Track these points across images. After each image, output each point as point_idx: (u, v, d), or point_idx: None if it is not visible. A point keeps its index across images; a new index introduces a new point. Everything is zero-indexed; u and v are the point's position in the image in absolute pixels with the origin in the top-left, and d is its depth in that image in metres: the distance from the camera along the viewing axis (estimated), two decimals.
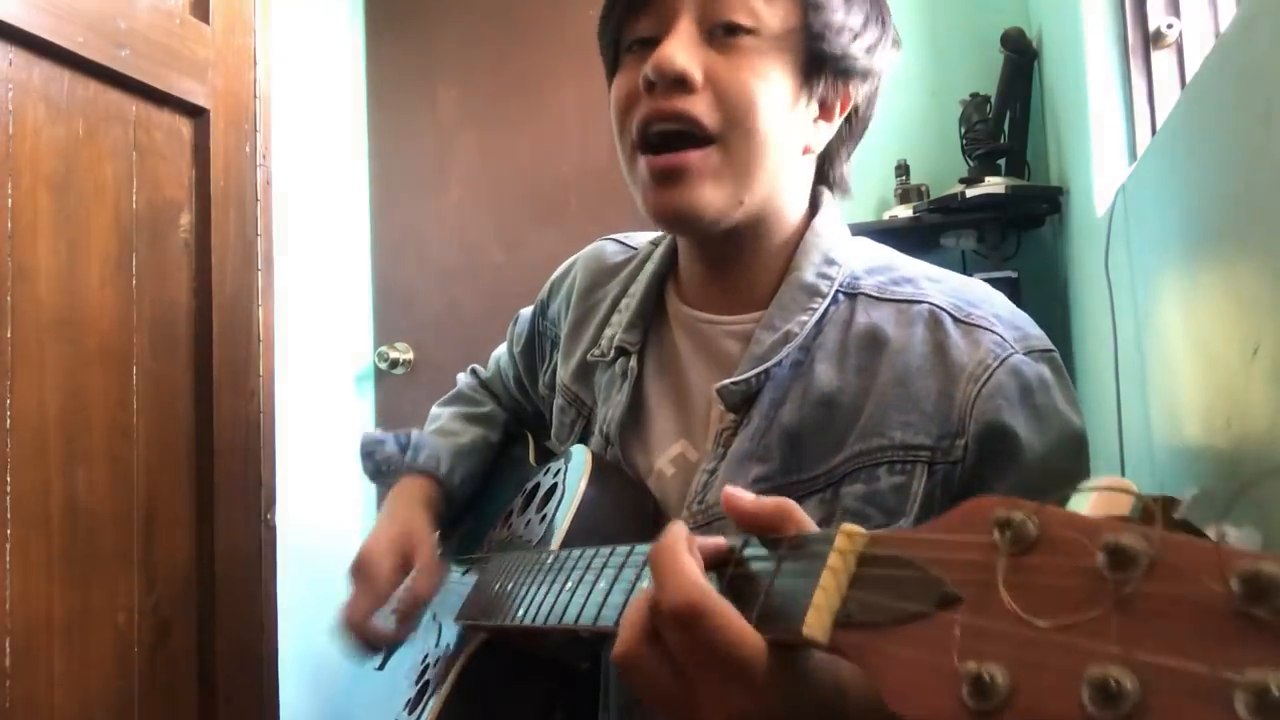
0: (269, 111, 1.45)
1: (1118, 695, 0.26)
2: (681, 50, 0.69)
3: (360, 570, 0.89)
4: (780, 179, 0.75)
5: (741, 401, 0.74)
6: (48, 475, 1.06)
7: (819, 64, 0.74)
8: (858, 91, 0.78)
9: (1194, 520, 0.30)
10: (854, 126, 0.81)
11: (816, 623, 0.38)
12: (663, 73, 0.69)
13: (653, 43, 0.72)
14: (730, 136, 0.71)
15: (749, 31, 0.71)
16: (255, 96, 1.42)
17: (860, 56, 0.76)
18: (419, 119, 2.36)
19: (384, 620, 0.88)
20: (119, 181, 1.18)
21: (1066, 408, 0.68)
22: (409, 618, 0.88)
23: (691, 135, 0.71)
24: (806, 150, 0.77)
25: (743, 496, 0.47)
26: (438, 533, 0.96)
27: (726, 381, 0.73)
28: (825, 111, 0.77)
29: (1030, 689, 0.29)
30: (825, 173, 0.82)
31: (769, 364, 0.72)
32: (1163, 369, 1.03)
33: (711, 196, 0.71)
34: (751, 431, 0.73)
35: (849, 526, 0.40)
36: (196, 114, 1.31)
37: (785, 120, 0.73)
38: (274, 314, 1.44)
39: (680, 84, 0.70)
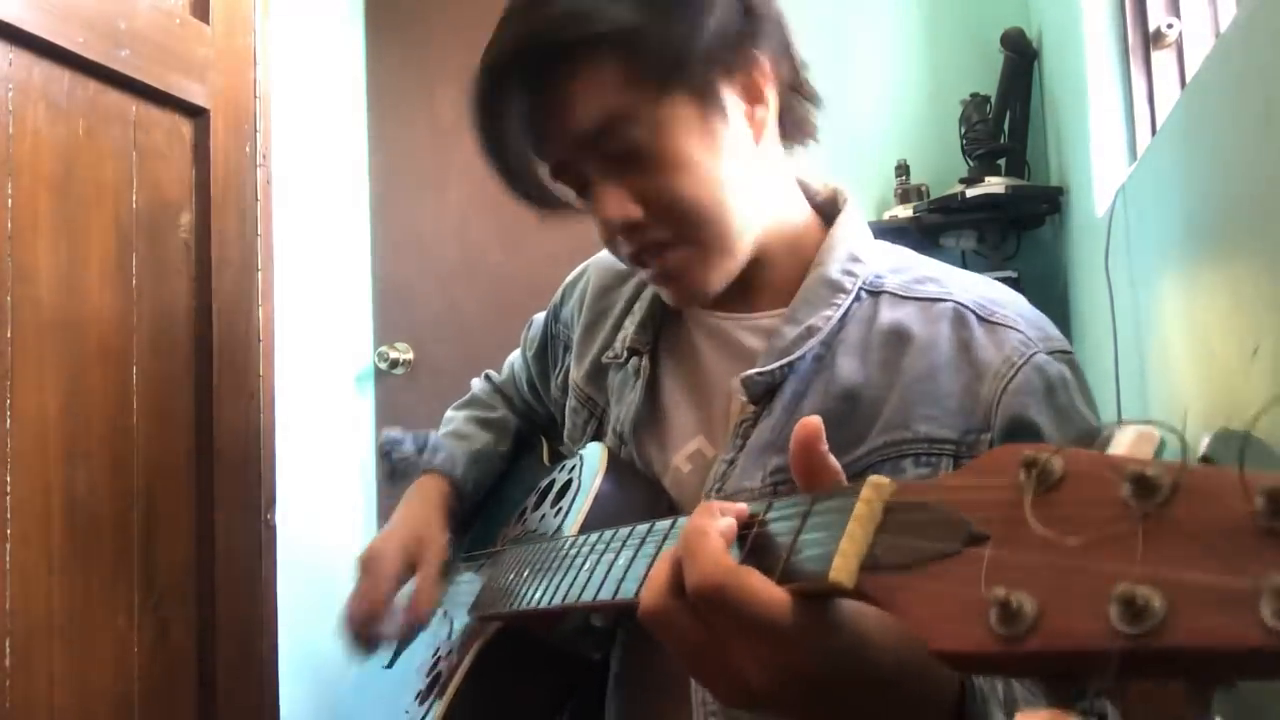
0: (269, 111, 1.45)
1: (1145, 610, 0.26)
2: (613, 204, 0.71)
3: (367, 565, 0.91)
4: (755, 201, 0.74)
5: (764, 393, 0.74)
6: (48, 475, 1.06)
7: (700, 80, 0.70)
8: (762, 53, 0.72)
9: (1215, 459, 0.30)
10: (788, 70, 0.76)
11: (843, 567, 0.38)
12: (611, 230, 0.73)
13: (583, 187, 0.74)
14: (692, 233, 0.72)
15: (628, 134, 0.69)
16: (255, 96, 1.42)
17: (726, 38, 0.70)
18: (419, 119, 2.35)
19: (385, 624, 0.89)
20: (119, 182, 1.18)
21: (1085, 409, 0.69)
22: (407, 637, 0.90)
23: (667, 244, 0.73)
24: (758, 140, 0.74)
25: (821, 434, 0.47)
26: (449, 536, 0.96)
27: (751, 371, 0.74)
28: (750, 95, 0.73)
29: (1057, 610, 0.29)
30: (784, 125, 0.77)
31: (793, 356, 0.73)
32: (1163, 369, 1.03)
33: (710, 276, 0.74)
34: (772, 423, 0.73)
35: (876, 477, 0.40)
36: (196, 114, 1.31)
37: (720, 160, 0.71)
38: (274, 314, 1.44)
39: (633, 228, 0.72)
